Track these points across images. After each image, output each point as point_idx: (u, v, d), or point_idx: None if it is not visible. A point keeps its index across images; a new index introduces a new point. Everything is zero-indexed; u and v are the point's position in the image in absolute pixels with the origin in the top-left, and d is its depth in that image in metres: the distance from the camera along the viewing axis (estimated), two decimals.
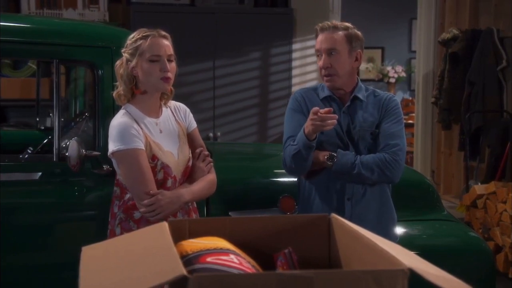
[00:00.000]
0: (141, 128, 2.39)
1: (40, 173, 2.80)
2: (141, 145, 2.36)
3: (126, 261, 1.38)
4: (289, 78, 5.99)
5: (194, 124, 2.62)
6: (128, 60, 2.41)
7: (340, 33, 2.54)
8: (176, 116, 2.56)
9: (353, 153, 2.51)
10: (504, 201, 4.62)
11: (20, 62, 5.48)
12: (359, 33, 2.59)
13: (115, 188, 2.51)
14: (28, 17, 4.52)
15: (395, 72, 9.56)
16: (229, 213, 2.91)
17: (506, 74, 5.62)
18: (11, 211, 2.72)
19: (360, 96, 2.57)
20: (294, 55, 6.00)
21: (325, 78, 2.55)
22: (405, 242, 2.60)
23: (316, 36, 2.60)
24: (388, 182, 2.58)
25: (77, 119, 3.58)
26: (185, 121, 2.59)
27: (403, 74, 9.63)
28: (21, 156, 3.36)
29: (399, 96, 9.63)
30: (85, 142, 2.72)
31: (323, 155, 2.50)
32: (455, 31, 5.98)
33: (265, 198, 3.01)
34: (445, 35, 6.05)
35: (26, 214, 2.79)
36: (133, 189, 2.38)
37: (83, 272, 1.31)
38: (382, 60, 9.81)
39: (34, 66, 5.08)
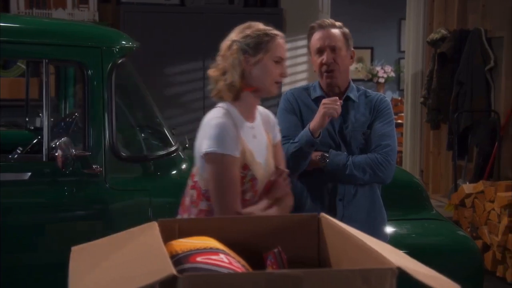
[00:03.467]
0: (239, 133, 2.16)
1: (29, 173, 2.78)
2: (238, 154, 2.11)
3: (116, 261, 1.38)
4: None
5: (279, 136, 2.37)
6: (245, 52, 2.17)
7: (338, 30, 2.55)
8: (264, 124, 2.32)
9: (345, 153, 2.51)
10: (492, 200, 4.65)
11: (9, 62, 5.45)
12: (349, 33, 2.60)
13: (190, 191, 2.25)
14: (17, 17, 4.50)
15: (384, 72, 9.59)
16: None
17: (494, 74, 5.65)
18: (0, 212, 2.71)
19: (352, 96, 2.57)
20: None
21: (326, 74, 2.52)
22: (395, 241, 2.61)
23: (311, 34, 2.57)
24: (380, 182, 2.59)
25: (67, 119, 3.56)
26: (273, 130, 2.35)
27: (392, 74, 9.66)
28: (10, 156, 3.34)
29: (388, 96, 9.65)
30: (74, 142, 2.71)
31: (315, 156, 2.49)
32: (444, 32, 6.00)
33: None
34: (434, 36, 6.08)
35: (15, 214, 2.77)
36: (218, 200, 2.11)
37: (72, 272, 1.31)
38: (372, 60, 9.83)
39: (23, 66, 5.06)
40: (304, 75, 6.24)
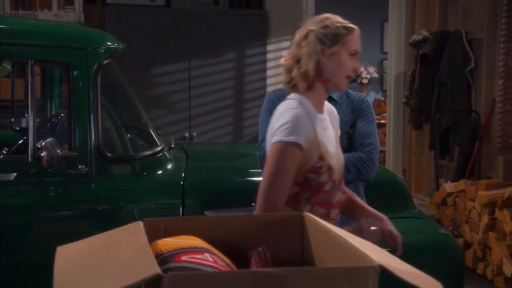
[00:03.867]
0: (313, 124, 2.11)
1: (15, 174, 2.76)
2: (306, 145, 2.04)
3: (101, 261, 1.37)
4: (264, 78, 6.00)
5: (339, 131, 2.32)
6: (322, 42, 2.11)
7: None
8: (330, 116, 2.27)
9: None
10: (473, 199, 4.68)
11: None
12: None
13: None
14: (3, 17, 4.46)
15: (368, 73, 9.63)
16: (205, 212, 2.91)
17: (474, 75, 5.69)
18: None
19: (334, 96, 2.57)
20: (269, 56, 6.02)
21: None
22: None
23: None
24: (363, 180, 2.60)
25: (53, 120, 3.55)
26: (337, 125, 2.31)
27: (376, 75, 9.70)
28: None
29: (371, 96, 9.70)
30: (60, 143, 2.69)
31: None
32: (425, 33, 6.03)
33: (240, 197, 3.01)
34: (416, 37, 6.11)
35: (1, 214, 2.75)
36: (266, 187, 2.01)
37: (57, 272, 1.30)
38: None
39: (9, 67, 5.01)
40: None
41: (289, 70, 2.15)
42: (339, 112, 2.54)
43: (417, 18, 6.48)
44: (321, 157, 2.10)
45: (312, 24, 2.16)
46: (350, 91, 2.67)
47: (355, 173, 2.51)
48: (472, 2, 5.72)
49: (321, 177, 2.10)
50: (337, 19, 2.19)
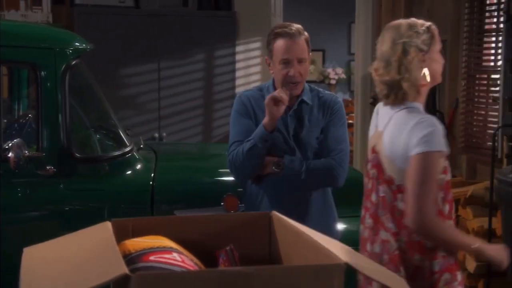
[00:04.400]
0: None
1: None
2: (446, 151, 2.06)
3: (69, 261, 1.36)
4: (233, 79, 6.00)
5: None
6: (421, 50, 2.09)
7: (303, 38, 2.48)
8: None
9: (300, 158, 2.49)
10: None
11: None
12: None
13: (400, 195, 2.06)
14: None
15: (336, 74, 9.69)
16: (174, 212, 2.90)
17: None
18: None
19: (306, 99, 2.54)
20: (238, 57, 6.02)
21: (291, 85, 2.46)
22: (345, 237, 2.63)
23: (275, 39, 2.47)
24: (333, 187, 2.60)
25: (20, 121, 3.49)
26: None
27: (343, 76, 9.77)
28: None
29: (339, 97, 9.75)
30: (28, 143, 2.66)
31: (270, 161, 2.46)
32: None
33: (209, 197, 3.00)
34: None
35: None
36: (418, 197, 1.97)
37: (24, 273, 1.29)
38: (323, 62, 9.92)
39: None
40: (257, 76, 6.26)
41: (394, 86, 2.10)
42: (310, 116, 2.53)
43: (383, 20, 6.55)
44: (445, 170, 2.09)
45: (398, 34, 2.13)
46: (322, 90, 2.64)
47: (324, 180, 2.51)
48: (436, 5, 5.81)
49: (447, 175, 2.09)
50: (420, 22, 2.19)
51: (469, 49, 5.46)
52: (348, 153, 2.56)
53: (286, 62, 2.46)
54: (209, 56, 5.91)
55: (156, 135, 5.70)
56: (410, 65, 2.08)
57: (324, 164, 2.49)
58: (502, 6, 4.97)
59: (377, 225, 2.12)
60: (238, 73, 6.04)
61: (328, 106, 2.56)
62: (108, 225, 1.48)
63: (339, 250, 1.34)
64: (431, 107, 5.77)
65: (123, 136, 3.11)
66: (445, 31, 5.61)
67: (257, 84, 6.22)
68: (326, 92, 2.66)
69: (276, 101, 2.38)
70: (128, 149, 3.03)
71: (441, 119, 5.67)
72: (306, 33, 2.52)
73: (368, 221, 2.16)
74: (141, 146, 3.32)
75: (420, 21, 2.19)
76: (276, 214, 1.66)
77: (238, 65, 6.03)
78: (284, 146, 2.50)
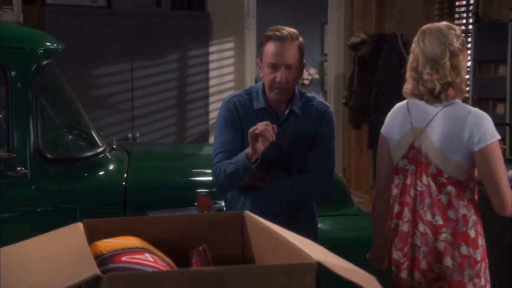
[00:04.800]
0: None
1: None
2: None
3: (41, 263, 1.34)
4: (207, 79, 5.99)
5: None
6: (462, 51, 2.29)
7: (295, 44, 2.36)
8: None
9: (285, 173, 2.39)
10: None
11: None
12: (303, 42, 2.43)
13: (445, 189, 2.21)
14: None
15: (309, 74, 9.72)
16: (147, 213, 2.87)
17: None
18: None
19: (295, 109, 2.42)
20: (211, 57, 6.00)
21: (275, 90, 2.35)
22: (319, 236, 2.64)
23: (266, 42, 2.38)
24: (317, 202, 2.53)
25: None
26: None
27: (317, 76, 9.81)
28: None
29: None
30: None
31: (255, 176, 2.34)
32: (363, 36, 6.14)
33: (183, 197, 2.99)
34: (354, 39, 6.21)
35: None
36: (503, 182, 2.17)
37: (3, 274, 1.26)
38: None
39: None
40: (231, 76, 6.25)
41: (447, 87, 2.24)
42: (298, 126, 2.41)
43: (355, 21, 6.59)
44: None
45: (443, 37, 2.28)
46: (312, 97, 2.52)
47: (309, 195, 2.42)
48: (406, 7, 5.86)
49: None
50: (453, 25, 2.37)
51: None
52: (334, 167, 2.46)
53: (274, 67, 2.34)
54: (183, 56, 5.89)
55: (130, 135, 5.66)
56: (460, 65, 2.25)
57: (309, 180, 2.40)
58: (471, 7, 5.04)
59: (416, 218, 2.26)
60: (211, 74, 6.03)
61: (317, 116, 2.45)
62: (79, 226, 1.46)
63: (312, 249, 1.34)
64: None
65: (96, 137, 3.08)
66: (415, 33, 5.66)
67: (231, 85, 6.24)
68: (317, 99, 2.52)
69: (256, 136, 2.22)
70: (100, 149, 3.00)
71: None
72: (300, 39, 2.39)
73: (408, 215, 2.29)
74: (114, 146, 3.29)
75: (453, 25, 2.37)
76: (249, 214, 1.66)
77: (211, 66, 6.02)
78: (269, 157, 2.36)
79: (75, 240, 1.39)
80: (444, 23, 2.34)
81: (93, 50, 5.42)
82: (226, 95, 6.23)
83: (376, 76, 5.93)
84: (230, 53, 6.18)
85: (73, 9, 5.41)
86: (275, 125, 2.25)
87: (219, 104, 6.80)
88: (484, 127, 2.17)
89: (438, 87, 2.23)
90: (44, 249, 1.42)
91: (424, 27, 2.34)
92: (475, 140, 2.16)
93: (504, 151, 4.36)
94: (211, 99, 6.06)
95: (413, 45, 2.33)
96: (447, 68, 2.22)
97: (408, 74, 2.32)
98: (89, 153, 2.98)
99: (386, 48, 5.88)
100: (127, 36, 5.57)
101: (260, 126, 2.21)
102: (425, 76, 2.25)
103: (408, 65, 2.33)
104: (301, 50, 2.39)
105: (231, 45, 6.16)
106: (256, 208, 2.37)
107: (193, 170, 3.31)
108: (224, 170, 2.33)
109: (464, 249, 2.20)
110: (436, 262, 2.21)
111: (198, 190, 2.98)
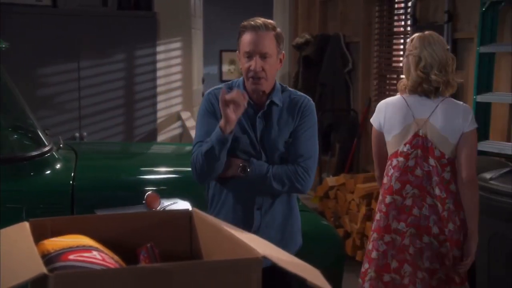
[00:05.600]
0: None
1: None
2: None
3: None
4: (154, 79, 5.94)
5: None
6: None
7: (271, 33, 2.34)
8: None
9: (266, 163, 2.34)
10: (352, 192, 4.87)
11: None
12: (282, 33, 2.42)
13: (447, 168, 2.70)
14: None
15: None
16: (95, 212, 2.83)
17: (352, 76, 5.92)
18: None
19: (276, 100, 2.38)
20: (159, 57, 5.96)
21: (251, 80, 2.32)
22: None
23: (242, 33, 2.36)
24: (298, 193, 2.50)
25: None
26: None
27: None
28: None
29: None
30: None
31: (236, 165, 2.33)
32: (307, 36, 6.20)
33: (131, 196, 2.96)
34: (299, 40, 6.27)
35: None
36: (474, 162, 2.66)
37: None
38: None
39: None
40: (178, 76, 6.22)
41: (445, 82, 2.70)
42: (279, 118, 2.39)
43: (299, 22, 6.65)
44: None
45: (443, 44, 2.74)
46: (294, 91, 2.50)
47: (289, 186, 2.37)
48: (349, 8, 5.95)
49: None
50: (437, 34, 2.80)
51: (380, 51, 5.64)
52: (316, 160, 2.43)
53: (249, 56, 2.32)
54: (130, 56, 5.82)
55: (77, 134, 5.56)
56: (453, 68, 2.73)
57: (290, 170, 2.35)
58: (409, 10, 5.16)
59: (423, 193, 2.70)
60: (159, 73, 5.99)
61: (299, 109, 2.40)
62: (25, 225, 1.43)
63: (258, 244, 1.35)
64: (346, 106, 5.93)
65: (42, 136, 3.02)
66: (357, 34, 5.77)
67: (178, 84, 6.21)
68: (299, 93, 2.48)
69: (227, 103, 2.19)
70: (47, 148, 2.94)
71: (355, 117, 5.83)
72: (278, 29, 2.38)
73: (413, 191, 2.71)
74: (61, 145, 3.23)
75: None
76: (196, 211, 1.65)
77: (159, 65, 5.98)
78: (250, 149, 2.35)
79: (21, 239, 1.36)
80: (433, 32, 2.76)
81: (39, 49, 5.30)
82: (173, 94, 6.22)
83: (320, 75, 6.00)
84: (177, 52, 6.15)
85: (17, 7, 5.28)
86: (245, 93, 2.24)
87: (166, 103, 6.79)
88: (471, 115, 2.69)
89: (441, 86, 2.69)
90: None
91: (421, 35, 2.73)
92: (466, 124, 2.66)
93: None
94: (159, 98, 6.02)
95: (415, 50, 2.70)
96: (450, 70, 2.70)
97: (415, 74, 2.69)
98: (35, 152, 2.92)
99: (330, 49, 5.95)
100: (73, 35, 5.47)
101: (231, 93, 2.19)
102: (433, 77, 2.67)
103: (413, 66, 2.70)
104: (278, 40, 2.36)
105: (178, 44, 6.13)
106: (239, 200, 2.38)
107: (141, 169, 3.28)
108: (201, 151, 2.28)
109: (462, 214, 2.69)
110: (444, 227, 2.68)
111: (146, 188, 2.96)
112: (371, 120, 2.89)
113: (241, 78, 2.43)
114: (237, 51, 2.41)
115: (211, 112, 2.38)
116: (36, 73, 5.38)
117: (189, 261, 1.51)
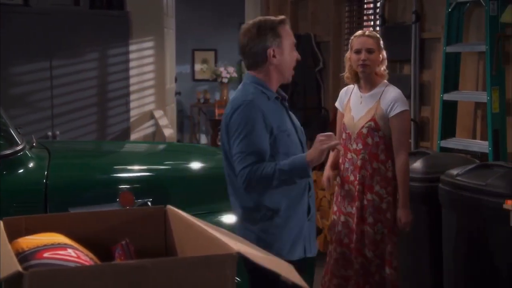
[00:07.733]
0: None
1: None
2: None
3: None
4: (127, 78, 5.90)
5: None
6: None
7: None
8: None
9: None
10: (323, 188, 4.89)
11: None
12: None
13: (380, 145, 3.07)
14: None
15: (228, 72, 9.74)
16: (69, 210, 2.80)
17: (323, 75, 5.95)
18: None
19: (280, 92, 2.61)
20: (131, 56, 5.92)
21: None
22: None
23: (280, 27, 2.54)
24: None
25: None
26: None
27: (235, 75, 9.84)
28: None
29: (231, 95, 9.83)
30: None
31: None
32: None
33: (105, 194, 2.93)
34: None
35: None
36: (406, 143, 3.08)
37: None
38: (215, 62, 9.95)
39: None
40: (151, 75, 6.19)
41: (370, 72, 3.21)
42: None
43: None
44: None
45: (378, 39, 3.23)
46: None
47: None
48: (319, 9, 5.98)
49: None
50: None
51: None
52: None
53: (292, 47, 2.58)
54: (103, 55, 5.77)
55: (50, 133, 5.49)
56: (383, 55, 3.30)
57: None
58: (378, 10, 5.21)
59: (345, 151, 3.19)
60: (131, 72, 5.95)
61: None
62: None
63: (232, 241, 1.35)
64: (317, 105, 5.96)
65: (14, 135, 2.97)
66: (328, 33, 5.80)
67: (151, 83, 6.17)
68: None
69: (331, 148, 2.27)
70: (19, 147, 2.90)
71: (326, 115, 5.86)
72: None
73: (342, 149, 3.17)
74: (34, 144, 3.19)
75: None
76: (171, 208, 1.65)
77: (131, 64, 5.94)
78: (299, 147, 2.50)
79: None
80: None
81: (9, 48, 5.22)
82: (146, 93, 6.19)
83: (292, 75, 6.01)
84: (150, 51, 6.11)
85: None
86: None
87: (139, 102, 6.74)
88: (393, 102, 3.08)
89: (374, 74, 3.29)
90: None
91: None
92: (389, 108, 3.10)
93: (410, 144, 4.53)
94: (132, 97, 5.98)
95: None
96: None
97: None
98: (8, 151, 2.87)
99: (301, 48, 5.96)
100: (45, 34, 5.40)
101: (331, 140, 2.27)
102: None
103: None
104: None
105: (150, 44, 6.09)
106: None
107: (115, 167, 3.26)
108: (273, 174, 2.23)
109: (374, 164, 3.06)
110: (358, 174, 3.10)
111: (120, 187, 2.94)
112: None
113: (254, 79, 2.49)
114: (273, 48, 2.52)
115: (259, 119, 2.35)
116: (8, 72, 5.30)
117: (163, 257, 1.51)
